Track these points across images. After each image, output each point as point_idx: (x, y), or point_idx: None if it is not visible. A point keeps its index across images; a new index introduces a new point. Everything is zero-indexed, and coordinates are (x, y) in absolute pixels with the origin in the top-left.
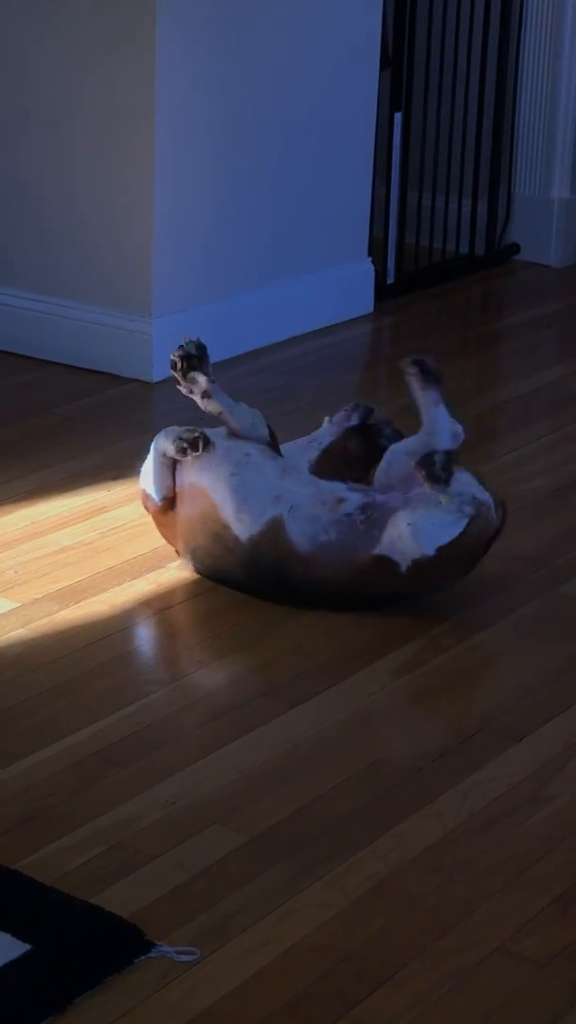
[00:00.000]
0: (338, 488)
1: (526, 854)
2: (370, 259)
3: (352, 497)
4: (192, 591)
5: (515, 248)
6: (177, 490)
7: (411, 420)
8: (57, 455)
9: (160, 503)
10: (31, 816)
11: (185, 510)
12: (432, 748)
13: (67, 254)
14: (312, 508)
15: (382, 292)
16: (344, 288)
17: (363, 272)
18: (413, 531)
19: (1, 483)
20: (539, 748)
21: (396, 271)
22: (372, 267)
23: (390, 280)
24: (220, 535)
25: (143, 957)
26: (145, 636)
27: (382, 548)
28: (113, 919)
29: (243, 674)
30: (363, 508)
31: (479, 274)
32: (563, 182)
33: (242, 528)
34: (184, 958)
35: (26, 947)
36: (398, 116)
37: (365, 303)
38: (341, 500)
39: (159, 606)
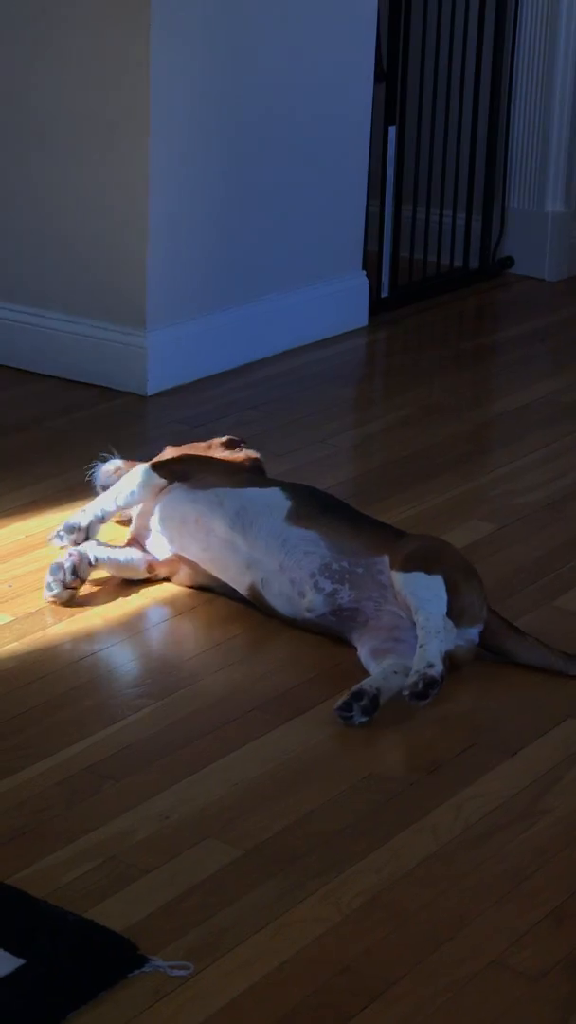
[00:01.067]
0: (306, 569)
1: (520, 867)
2: (364, 272)
3: (317, 604)
4: (185, 605)
5: (509, 261)
6: (167, 557)
7: (405, 433)
8: (51, 468)
9: (147, 568)
10: (24, 830)
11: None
12: (426, 762)
13: (62, 267)
14: (283, 587)
15: (377, 305)
16: (339, 301)
17: (358, 285)
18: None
19: None
20: (533, 761)
21: (391, 284)
22: (367, 280)
23: (385, 293)
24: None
25: (136, 972)
26: (138, 650)
27: (360, 652)
28: (106, 934)
29: (236, 688)
30: (333, 613)
31: (473, 287)
32: (557, 195)
33: (236, 586)
34: (177, 972)
35: (19, 962)
36: (392, 130)
37: (360, 316)
38: (309, 609)
39: (152, 620)
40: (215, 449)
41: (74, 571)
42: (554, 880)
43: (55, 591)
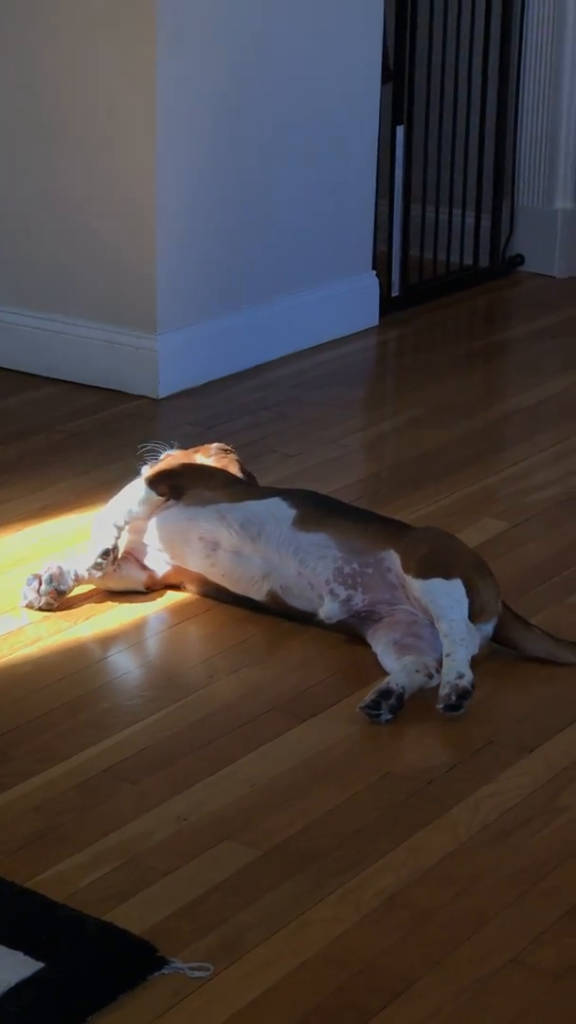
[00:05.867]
0: (322, 575)
1: (539, 865)
2: (375, 272)
3: (333, 611)
4: (200, 607)
5: (519, 259)
6: (166, 572)
7: (416, 432)
8: (63, 472)
9: (147, 580)
10: (42, 834)
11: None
12: (443, 760)
13: (71, 271)
14: (303, 591)
15: (387, 305)
16: (349, 301)
17: (368, 285)
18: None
19: (7, 500)
20: (551, 759)
21: (401, 284)
22: (377, 280)
23: (395, 293)
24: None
25: (156, 974)
26: (154, 652)
27: (377, 647)
28: (126, 936)
29: (252, 689)
30: (351, 616)
31: (484, 286)
32: (566, 193)
33: (254, 595)
34: (197, 974)
35: (39, 965)
36: (400, 129)
37: (370, 316)
38: (327, 616)
39: (168, 622)
40: (209, 456)
41: (51, 582)
42: (573, 877)
43: (28, 599)
